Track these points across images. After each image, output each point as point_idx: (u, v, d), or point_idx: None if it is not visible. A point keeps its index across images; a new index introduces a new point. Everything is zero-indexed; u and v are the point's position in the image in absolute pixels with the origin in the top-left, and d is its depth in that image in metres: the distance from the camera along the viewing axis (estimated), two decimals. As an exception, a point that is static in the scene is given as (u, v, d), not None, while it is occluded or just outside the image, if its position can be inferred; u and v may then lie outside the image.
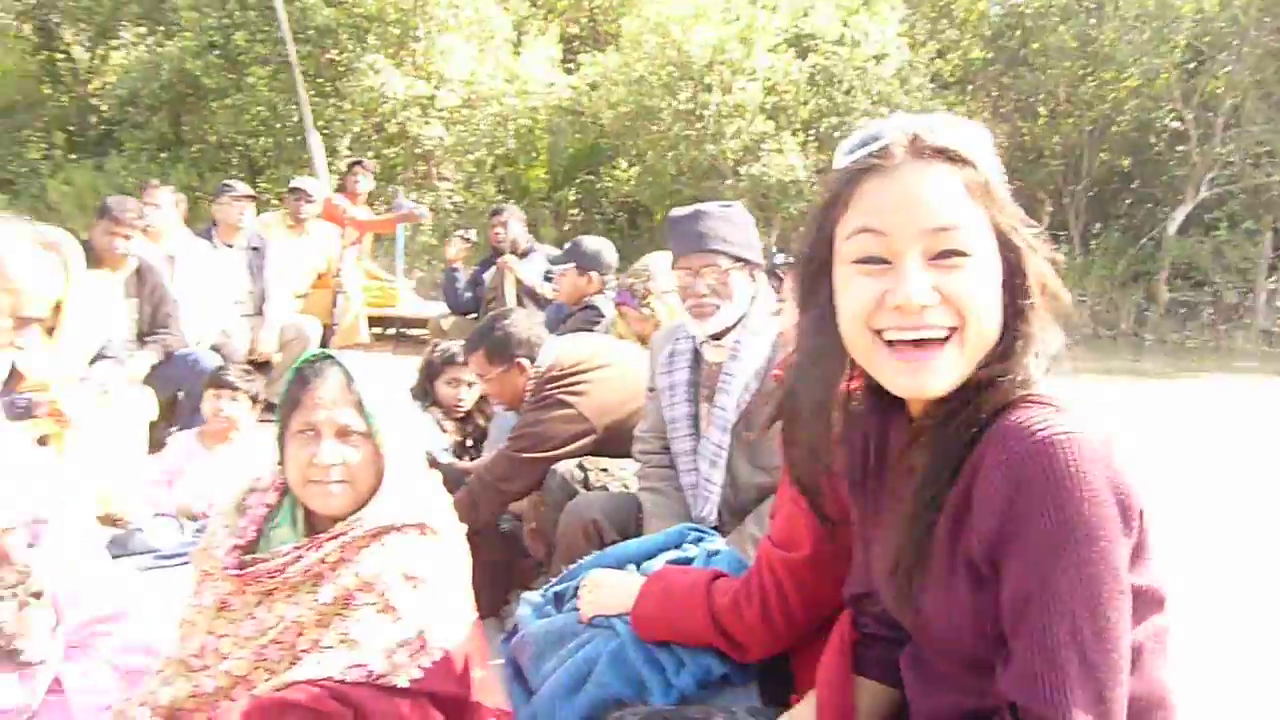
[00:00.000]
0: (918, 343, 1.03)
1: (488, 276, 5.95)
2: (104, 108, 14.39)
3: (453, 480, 2.81)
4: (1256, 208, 12.48)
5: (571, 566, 1.91)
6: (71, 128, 14.24)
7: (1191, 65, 12.65)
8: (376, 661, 1.54)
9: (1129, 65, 12.30)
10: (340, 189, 7.63)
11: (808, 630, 1.51)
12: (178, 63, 12.31)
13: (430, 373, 3.64)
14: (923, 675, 1.19)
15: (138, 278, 4.43)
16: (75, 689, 1.79)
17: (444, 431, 3.56)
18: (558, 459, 2.72)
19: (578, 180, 14.13)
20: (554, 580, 1.91)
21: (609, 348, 3.05)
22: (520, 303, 5.47)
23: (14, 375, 2.80)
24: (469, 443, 3.62)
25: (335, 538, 1.65)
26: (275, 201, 10.96)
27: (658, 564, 1.79)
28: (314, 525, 1.74)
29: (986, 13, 13.80)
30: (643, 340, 3.41)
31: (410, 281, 8.60)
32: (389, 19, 12.25)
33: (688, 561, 1.78)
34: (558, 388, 2.79)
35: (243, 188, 5.58)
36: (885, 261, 1.04)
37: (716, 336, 2.38)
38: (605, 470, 2.71)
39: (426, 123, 12.40)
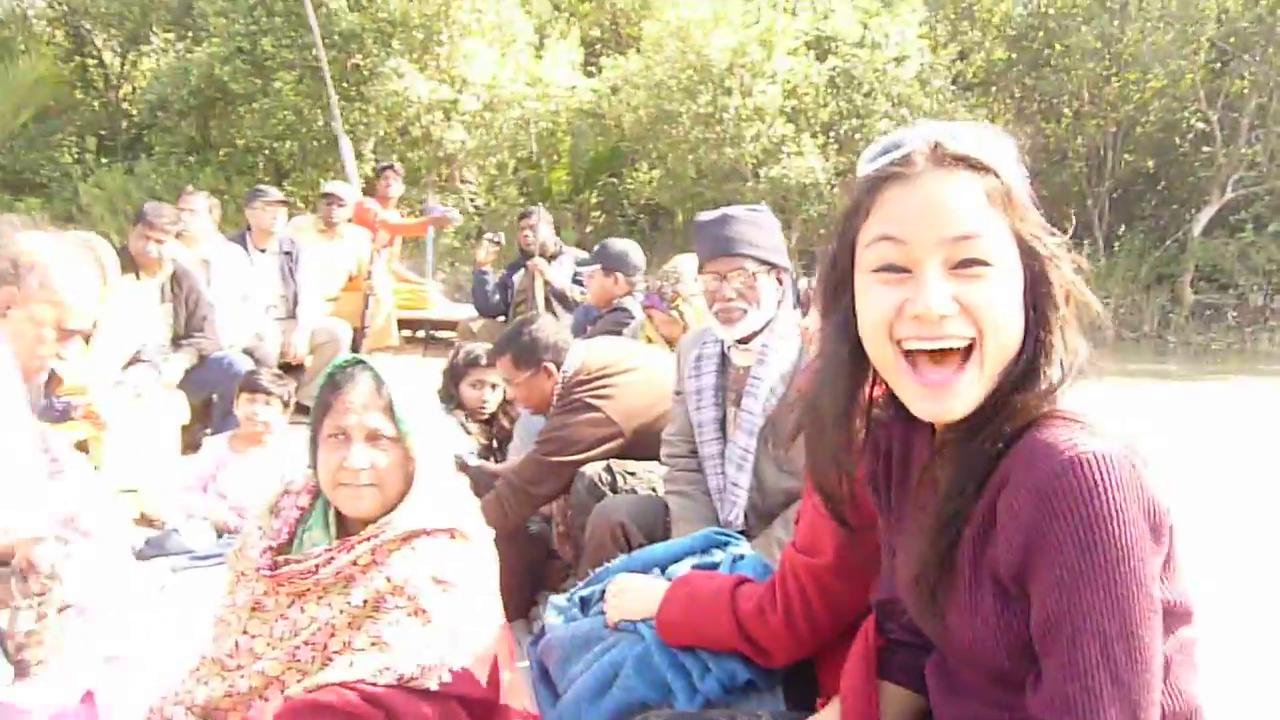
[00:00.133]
0: (936, 356, 1.03)
1: (517, 279, 5.94)
2: (134, 112, 14.57)
3: (482, 483, 2.85)
4: (1282, 209, 12.34)
5: (597, 570, 1.92)
6: (103, 132, 14.41)
7: (1216, 65, 12.48)
8: (407, 665, 1.56)
9: (1153, 66, 12.15)
10: (369, 192, 7.64)
11: (832, 636, 1.52)
12: (206, 68, 12.45)
13: (454, 375, 3.64)
14: (947, 684, 1.19)
15: (173, 282, 4.48)
16: (105, 703, 1.77)
17: (468, 434, 3.57)
18: (585, 462, 2.73)
19: (599, 183, 14.16)
20: (580, 584, 1.92)
21: (636, 351, 3.07)
22: (549, 305, 5.48)
23: (51, 379, 2.87)
24: (494, 445, 3.63)
25: (366, 540, 1.68)
26: (301, 205, 11.08)
27: (683, 569, 1.80)
28: (346, 527, 1.77)
29: (1009, 13, 13.68)
30: (670, 343, 3.41)
31: (438, 284, 8.63)
32: (413, 24, 12.32)
33: (713, 566, 1.79)
34: (585, 391, 2.80)
35: (275, 193, 5.62)
36: (905, 270, 1.03)
37: (744, 341, 2.38)
38: (633, 473, 2.72)
39: (449, 126, 12.47)
